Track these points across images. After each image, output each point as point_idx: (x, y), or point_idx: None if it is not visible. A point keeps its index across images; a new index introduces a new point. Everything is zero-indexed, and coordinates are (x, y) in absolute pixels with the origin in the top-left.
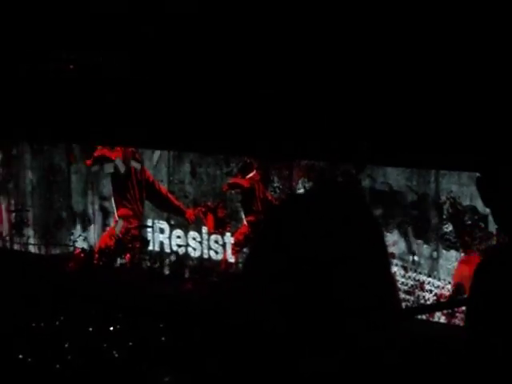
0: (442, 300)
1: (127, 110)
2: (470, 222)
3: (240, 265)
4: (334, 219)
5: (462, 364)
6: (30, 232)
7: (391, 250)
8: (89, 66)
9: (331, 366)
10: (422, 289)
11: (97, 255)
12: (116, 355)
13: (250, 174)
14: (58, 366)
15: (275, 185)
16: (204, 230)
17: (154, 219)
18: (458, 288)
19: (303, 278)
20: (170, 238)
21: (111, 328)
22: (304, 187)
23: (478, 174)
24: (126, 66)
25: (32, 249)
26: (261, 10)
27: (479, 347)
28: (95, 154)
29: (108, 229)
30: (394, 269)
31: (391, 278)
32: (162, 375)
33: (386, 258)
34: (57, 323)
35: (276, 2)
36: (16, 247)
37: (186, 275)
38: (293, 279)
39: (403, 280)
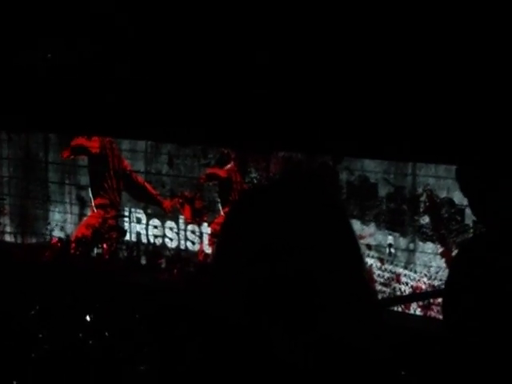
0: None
1: (104, 100)
2: (446, 215)
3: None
4: (297, 207)
5: (439, 355)
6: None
7: (368, 241)
8: (66, 56)
9: (304, 356)
10: (399, 281)
11: (73, 245)
12: (92, 344)
13: (228, 165)
14: (33, 355)
15: (252, 176)
16: (181, 219)
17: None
18: None
19: (269, 269)
20: (146, 228)
21: (87, 317)
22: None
23: (456, 166)
24: (105, 56)
25: (8, 238)
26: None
27: (456, 338)
28: (72, 144)
29: (85, 218)
30: (371, 261)
31: (361, 266)
32: (138, 364)
33: (354, 246)
34: (32, 313)
35: None
36: None
37: (163, 265)
38: (259, 270)
39: (379, 272)
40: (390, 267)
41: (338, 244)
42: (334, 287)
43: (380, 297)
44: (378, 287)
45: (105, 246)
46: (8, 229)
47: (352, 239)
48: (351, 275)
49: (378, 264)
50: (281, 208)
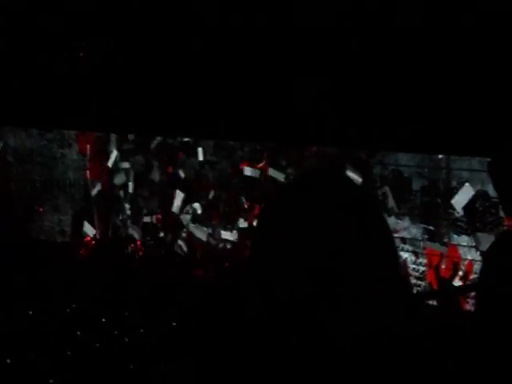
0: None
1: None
2: (481, 208)
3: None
4: (331, 207)
5: (473, 348)
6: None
7: (402, 234)
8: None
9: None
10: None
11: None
12: (127, 341)
13: (262, 163)
14: (69, 353)
15: (288, 171)
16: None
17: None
18: None
19: (306, 273)
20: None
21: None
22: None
23: (488, 159)
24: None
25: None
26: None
27: (491, 331)
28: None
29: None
30: (405, 255)
31: (398, 263)
32: (174, 361)
33: (389, 242)
34: (68, 311)
35: None
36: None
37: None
38: (296, 274)
39: (414, 266)
40: (424, 261)
41: (372, 242)
42: (370, 284)
43: (415, 291)
44: (413, 281)
45: (138, 242)
46: (46, 227)
47: (386, 235)
48: (387, 272)
49: (413, 258)
50: (312, 212)
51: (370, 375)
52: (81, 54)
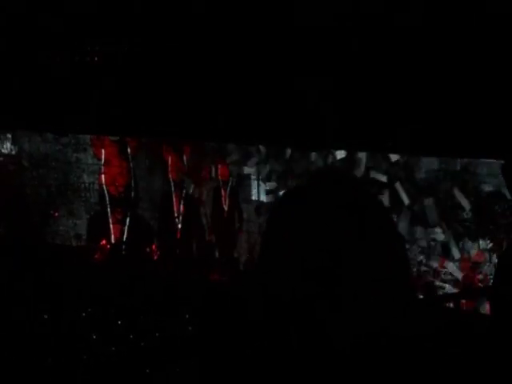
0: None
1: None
2: (499, 210)
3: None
4: (332, 208)
5: (487, 352)
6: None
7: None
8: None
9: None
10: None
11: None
12: (142, 345)
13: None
14: (85, 357)
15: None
16: None
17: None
18: None
19: (313, 273)
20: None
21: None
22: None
23: (502, 162)
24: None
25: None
26: None
27: (506, 336)
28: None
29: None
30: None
31: (407, 265)
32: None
33: (393, 242)
34: (83, 315)
35: None
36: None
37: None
38: (304, 275)
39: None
40: (435, 263)
41: (372, 242)
42: (370, 284)
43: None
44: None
45: (153, 246)
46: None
47: (389, 235)
48: (387, 272)
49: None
50: (313, 213)
51: (370, 375)
52: (95, 59)
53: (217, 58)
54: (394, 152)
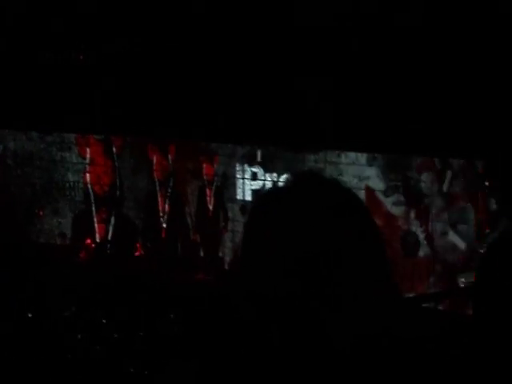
0: None
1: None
2: None
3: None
4: (321, 209)
5: (469, 354)
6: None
7: None
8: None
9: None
10: None
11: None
12: (130, 346)
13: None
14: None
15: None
16: None
17: None
18: None
19: (294, 271)
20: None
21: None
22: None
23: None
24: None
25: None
26: None
27: (487, 337)
28: None
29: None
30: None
31: (386, 264)
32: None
33: (378, 241)
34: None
35: None
36: None
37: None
38: (285, 274)
39: None
40: None
41: (365, 242)
42: (369, 284)
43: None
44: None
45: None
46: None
47: (378, 235)
48: (384, 272)
49: None
50: (303, 214)
51: (370, 375)
52: (80, 57)
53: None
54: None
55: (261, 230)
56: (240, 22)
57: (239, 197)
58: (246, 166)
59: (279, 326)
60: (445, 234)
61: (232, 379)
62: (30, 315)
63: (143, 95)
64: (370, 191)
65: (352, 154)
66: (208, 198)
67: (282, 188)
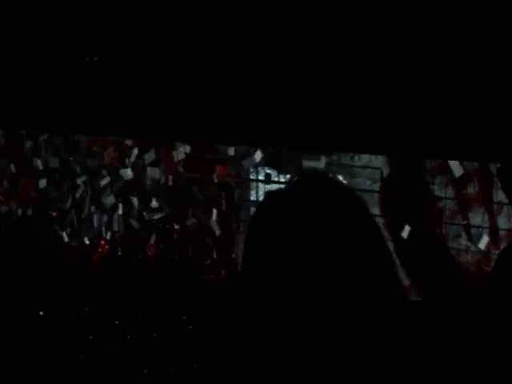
0: None
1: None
2: None
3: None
4: (321, 209)
5: (477, 354)
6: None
7: None
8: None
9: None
10: None
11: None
12: (140, 345)
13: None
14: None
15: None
16: None
17: None
18: None
19: (301, 276)
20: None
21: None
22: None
23: (498, 165)
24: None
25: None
26: None
27: (502, 337)
28: None
29: None
30: None
31: (392, 265)
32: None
33: (379, 243)
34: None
35: None
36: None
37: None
38: (286, 284)
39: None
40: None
41: (365, 242)
42: (369, 284)
43: None
44: None
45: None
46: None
47: (379, 236)
48: (384, 271)
49: None
50: (303, 215)
51: (370, 375)
52: (94, 59)
53: (216, 59)
54: (395, 153)
55: (263, 232)
56: (246, 20)
57: (252, 198)
58: (259, 167)
59: (279, 327)
60: (458, 236)
61: (232, 379)
62: (41, 313)
63: (154, 95)
64: None
65: (366, 157)
66: (220, 200)
67: (282, 191)
